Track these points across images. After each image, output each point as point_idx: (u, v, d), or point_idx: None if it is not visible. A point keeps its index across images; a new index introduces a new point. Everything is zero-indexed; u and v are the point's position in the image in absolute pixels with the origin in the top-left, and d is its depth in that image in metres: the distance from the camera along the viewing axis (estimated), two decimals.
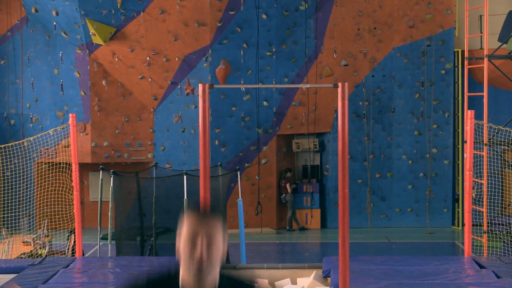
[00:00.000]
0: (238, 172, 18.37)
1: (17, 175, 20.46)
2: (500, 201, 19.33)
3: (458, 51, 21.90)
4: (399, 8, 21.63)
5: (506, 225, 18.39)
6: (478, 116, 15.84)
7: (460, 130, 21.03)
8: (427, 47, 21.90)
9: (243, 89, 21.24)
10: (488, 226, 16.69)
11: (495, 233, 17.39)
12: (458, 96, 21.80)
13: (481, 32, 19.91)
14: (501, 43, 19.58)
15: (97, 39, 21.38)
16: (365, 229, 21.39)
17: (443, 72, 21.88)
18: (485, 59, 18.38)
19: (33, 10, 21.97)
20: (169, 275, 3.65)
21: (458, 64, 22.00)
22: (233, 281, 3.66)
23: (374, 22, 21.63)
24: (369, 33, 21.72)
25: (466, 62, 19.19)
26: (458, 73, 21.98)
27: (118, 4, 21.02)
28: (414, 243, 20.52)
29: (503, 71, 19.24)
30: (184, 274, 3.50)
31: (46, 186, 20.13)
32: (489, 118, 18.23)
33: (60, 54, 22.75)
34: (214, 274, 3.48)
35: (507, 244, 17.62)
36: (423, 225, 21.97)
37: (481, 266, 12.89)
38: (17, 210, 19.86)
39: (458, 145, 21.46)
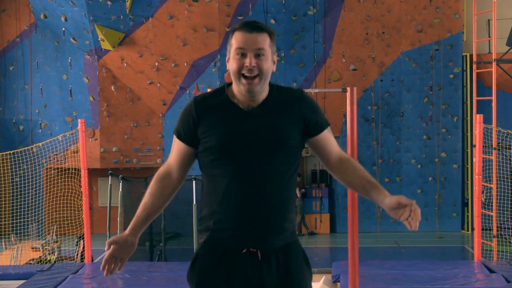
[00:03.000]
0: None
1: (26, 181, 20.59)
2: (509, 205, 19.29)
3: (466, 55, 21.92)
4: (407, 12, 21.73)
5: None
6: (487, 120, 15.80)
7: (469, 134, 21.01)
8: (436, 51, 21.94)
9: None
10: (497, 230, 16.56)
11: (505, 237, 17.47)
12: (466, 100, 21.92)
13: (489, 36, 20.02)
14: (509, 47, 19.62)
15: (106, 45, 21.44)
16: (374, 234, 21.40)
17: (451, 76, 21.88)
18: (493, 63, 18.59)
19: (42, 16, 22.08)
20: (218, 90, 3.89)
21: (466, 68, 22.06)
22: (283, 87, 3.92)
23: (383, 27, 21.61)
24: (378, 37, 21.70)
25: (474, 66, 19.34)
26: (467, 77, 22.08)
27: (127, 10, 20.99)
28: (423, 247, 20.51)
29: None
30: (235, 87, 3.78)
31: (55, 192, 20.04)
32: (498, 122, 18.21)
33: (69, 60, 22.68)
34: (264, 85, 3.77)
35: None
36: (433, 230, 21.98)
37: (491, 271, 12.80)
38: (26, 216, 19.93)
39: (467, 149, 21.44)
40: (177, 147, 4.00)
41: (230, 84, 3.88)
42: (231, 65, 3.73)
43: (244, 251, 3.74)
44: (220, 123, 3.77)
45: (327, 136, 3.95)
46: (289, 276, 3.83)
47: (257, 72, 3.64)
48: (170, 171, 3.98)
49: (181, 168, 4.02)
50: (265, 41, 3.68)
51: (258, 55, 3.65)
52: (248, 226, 3.72)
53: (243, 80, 3.65)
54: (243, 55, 3.65)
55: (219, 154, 3.74)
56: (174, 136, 4.03)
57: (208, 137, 3.78)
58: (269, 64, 3.71)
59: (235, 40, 3.71)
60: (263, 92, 3.76)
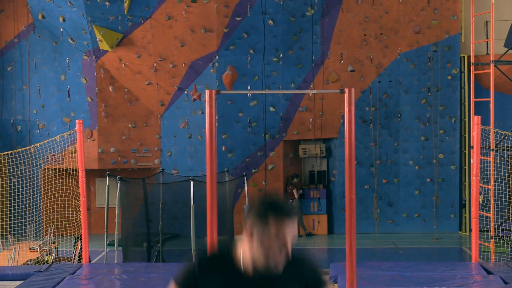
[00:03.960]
0: (245, 178, 18.40)
1: (24, 182, 20.62)
2: (507, 207, 19.34)
3: (464, 57, 21.92)
4: (405, 14, 21.74)
5: None
6: (485, 121, 15.90)
7: (466, 135, 21.09)
8: (433, 52, 21.89)
9: (250, 95, 21.38)
10: (495, 231, 16.65)
11: (503, 239, 17.45)
12: (464, 102, 21.94)
13: (487, 38, 20.06)
14: (507, 49, 19.58)
15: (104, 45, 21.55)
16: (372, 235, 21.52)
17: (449, 77, 21.96)
18: (491, 64, 18.45)
19: (40, 17, 22.10)
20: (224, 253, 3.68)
21: (464, 70, 22.07)
22: (301, 260, 3.73)
23: (381, 28, 21.71)
24: (376, 39, 21.79)
25: (472, 68, 19.24)
26: (465, 78, 22.11)
27: (125, 10, 21.12)
28: (421, 248, 20.56)
29: (510, 76, 19.26)
30: (254, 252, 3.51)
31: (53, 192, 20.20)
32: (495, 124, 18.22)
33: (67, 60, 22.73)
34: (285, 253, 3.50)
35: None
36: (430, 231, 22.08)
37: (489, 272, 12.94)
38: (23, 217, 19.97)
39: (465, 150, 21.51)
40: None
41: None
42: (255, 249, 3.59)
43: None
44: None
45: None
46: None
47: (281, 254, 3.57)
48: None
49: None
50: (289, 226, 3.57)
51: (284, 243, 3.52)
52: None
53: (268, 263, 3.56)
54: (271, 238, 3.52)
55: None
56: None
57: None
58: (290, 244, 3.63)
59: (268, 224, 3.56)
60: (281, 267, 3.64)
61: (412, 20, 21.88)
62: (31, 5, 22.01)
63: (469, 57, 20.59)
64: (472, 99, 18.91)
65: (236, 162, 22.16)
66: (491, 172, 16.55)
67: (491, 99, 18.27)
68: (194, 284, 3.63)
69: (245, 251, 3.51)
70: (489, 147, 16.33)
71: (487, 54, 20.10)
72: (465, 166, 21.83)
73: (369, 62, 21.89)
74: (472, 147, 14.73)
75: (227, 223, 18.80)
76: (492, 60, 18.45)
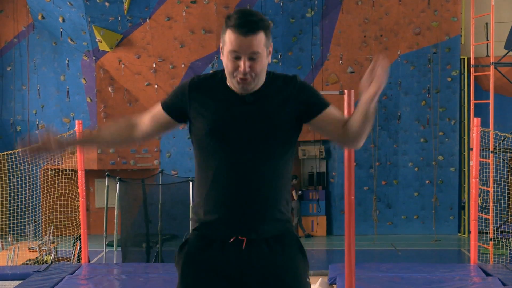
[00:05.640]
0: None
1: (23, 182, 20.66)
2: (506, 209, 19.26)
3: (464, 59, 21.80)
4: (405, 15, 21.66)
5: None
6: (484, 123, 15.86)
7: (466, 137, 21.05)
8: (433, 54, 21.79)
9: None
10: (494, 233, 16.72)
11: (501, 241, 17.48)
12: (464, 104, 21.87)
13: (487, 40, 20.02)
14: (507, 51, 19.64)
15: (103, 46, 21.40)
16: (371, 236, 21.54)
17: (449, 79, 21.83)
18: (491, 66, 18.57)
19: (39, 17, 22.04)
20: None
21: (464, 72, 21.97)
22: (278, 75, 3.90)
23: (381, 30, 21.70)
24: (375, 40, 21.78)
25: (472, 70, 19.32)
26: (464, 80, 22.05)
27: (125, 11, 20.85)
28: (420, 250, 20.54)
29: (510, 78, 19.39)
30: (230, 83, 3.73)
31: (52, 193, 20.09)
32: (495, 126, 18.29)
33: (67, 61, 22.55)
34: (259, 81, 3.73)
35: None
36: (429, 233, 22.11)
37: (487, 274, 12.87)
38: (23, 217, 19.95)
39: (464, 152, 21.47)
40: (155, 111, 3.98)
41: None
42: (225, 63, 3.69)
43: (232, 239, 3.75)
44: (212, 106, 3.77)
45: (329, 114, 3.95)
46: (281, 265, 3.82)
47: (251, 75, 3.63)
48: (137, 125, 3.99)
49: (148, 130, 4.03)
50: (260, 43, 3.62)
51: (253, 58, 3.60)
52: (236, 215, 3.73)
53: (238, 80, 3.64)
54: (237, 58, 3.60)
55: (208, 139, 3.75)
56: (158, 104, 4.02)
57: (199, 120, 3.80)
58: (264, 63, 3.67)
59: (229, 41, 3.64)
60: (258, 84, 3.74)
61: (412, 21, 21.74)
62: (30, 5, 21.93)
63: (469, 59, 20.60)
64: (472, 101, 19.01)
65: None
66: (491, 174, 16.52)
67: (491, 101, 18.36)
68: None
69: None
70: (489, 149, 16.31)
71: (487, 56, 20.18)
72: (464, 168, 21.83)
73: (369, 63, 21.78)
74: (472, 149, 14.65)
75: None
76: (492, 62, 18.56)
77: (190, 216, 4.00)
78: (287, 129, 3.78)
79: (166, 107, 3.88)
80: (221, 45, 3.74)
